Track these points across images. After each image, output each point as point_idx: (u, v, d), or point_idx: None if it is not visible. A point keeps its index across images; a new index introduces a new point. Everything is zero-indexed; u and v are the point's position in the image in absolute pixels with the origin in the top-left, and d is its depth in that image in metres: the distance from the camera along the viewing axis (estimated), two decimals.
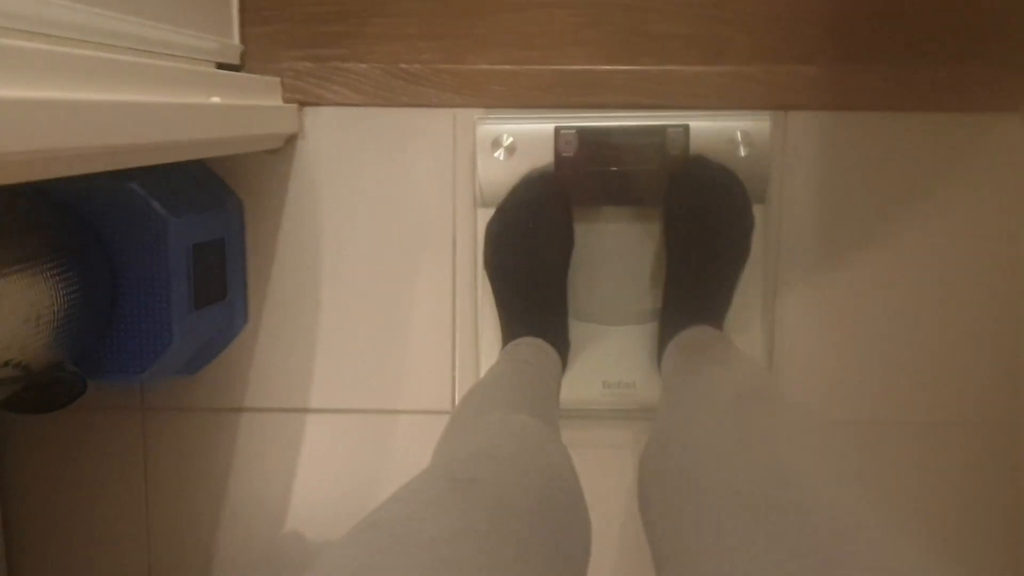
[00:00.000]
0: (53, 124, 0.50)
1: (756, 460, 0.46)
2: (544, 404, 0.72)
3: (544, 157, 0.88)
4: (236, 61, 0.90)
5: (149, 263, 0.81)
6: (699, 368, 0.66)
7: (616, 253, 0.91)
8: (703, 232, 0.84)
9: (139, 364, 0.82)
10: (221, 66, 0.86)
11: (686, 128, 0.86)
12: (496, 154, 0.89)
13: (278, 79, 0.90)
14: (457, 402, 0.96)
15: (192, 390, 0.97)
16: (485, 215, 0.89)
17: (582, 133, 0.88)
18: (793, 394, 0.94)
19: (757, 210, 0.86)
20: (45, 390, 0.75)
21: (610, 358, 0.91)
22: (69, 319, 0.77)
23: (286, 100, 0.91)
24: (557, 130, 0.88)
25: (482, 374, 0.92)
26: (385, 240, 0.94)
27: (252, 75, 0.88)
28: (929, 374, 0.94)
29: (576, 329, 0.90)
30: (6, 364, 0.69)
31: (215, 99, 0.74)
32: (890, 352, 0.94)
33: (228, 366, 0.96)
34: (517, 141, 0.88)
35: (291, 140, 0.93)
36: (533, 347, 0.82)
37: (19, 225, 0.76)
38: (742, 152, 0.86)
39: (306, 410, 0.97)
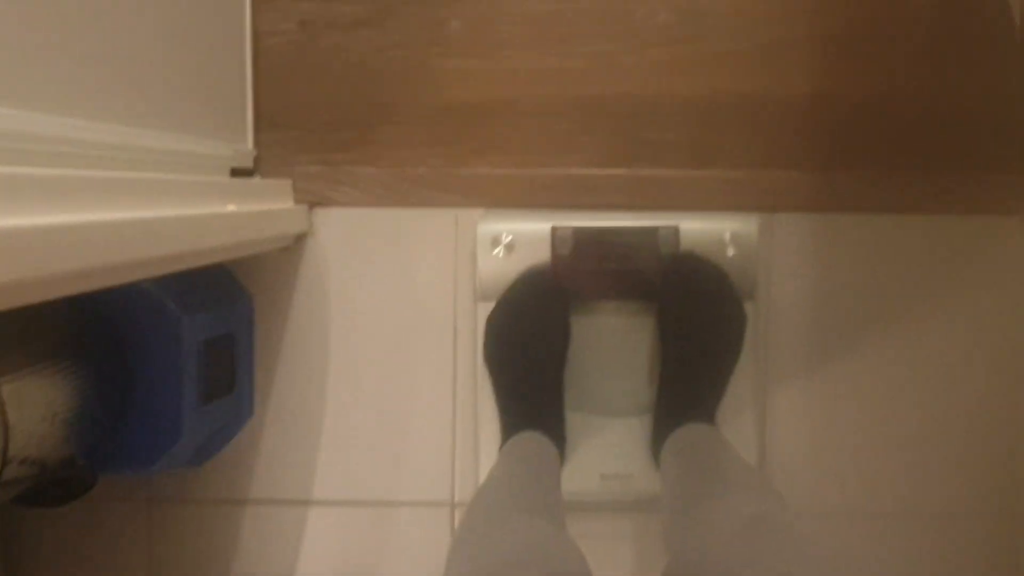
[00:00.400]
0: (75, 247, 0.52)
1: None
2: (549, 502, 0.74)
3: (542, 254, 0.92)
4: (249, 165, 0.95)
5: (161, 359, 0.83)
6: (704, 489, 0.70)
7: (612, 347, 0.94)
8: (696, 329, 0.87)
9: (148, 458, 0.84)
10: (235, 170, 0.91)
11: (676, 229, 0.91)
12: (496, 251, 0.93)
13: (290, 182, 0.95)
14: (466, 502, 0.97)
15: (197, 481, 0.98)
16: (485, 310, 0.92)
17: (578, 232, 0.92)
18: (785, 490, 0.96)
19: (746, 308, 0.89)
20: (57, 485, 0.77)
21: (607, 450, 0.92)
22: (83, 415, 0.79)
23: (297, 201, 0.95)
24: (554, 229, 0.92)
25: (481, 466, 0.94)
26: (389, 334, 0.98)
27: (265, 180, 0.93)
28: (920, 467, 0.96)
29: (574, 421, 0.92)
30: (23, 462, 0.71)
31: (230, 207, 0.78)
32: (879, 445, 0.96)
33: (233, 457, 0.98)
34: (516, 239, 0.92)
35: (301, 238, 0.97)
36: (533, 443, 0.84)
37: (36, 324, 0.79)
38: (730, 252, 0.90)
39: (308, 502, 0.98)
